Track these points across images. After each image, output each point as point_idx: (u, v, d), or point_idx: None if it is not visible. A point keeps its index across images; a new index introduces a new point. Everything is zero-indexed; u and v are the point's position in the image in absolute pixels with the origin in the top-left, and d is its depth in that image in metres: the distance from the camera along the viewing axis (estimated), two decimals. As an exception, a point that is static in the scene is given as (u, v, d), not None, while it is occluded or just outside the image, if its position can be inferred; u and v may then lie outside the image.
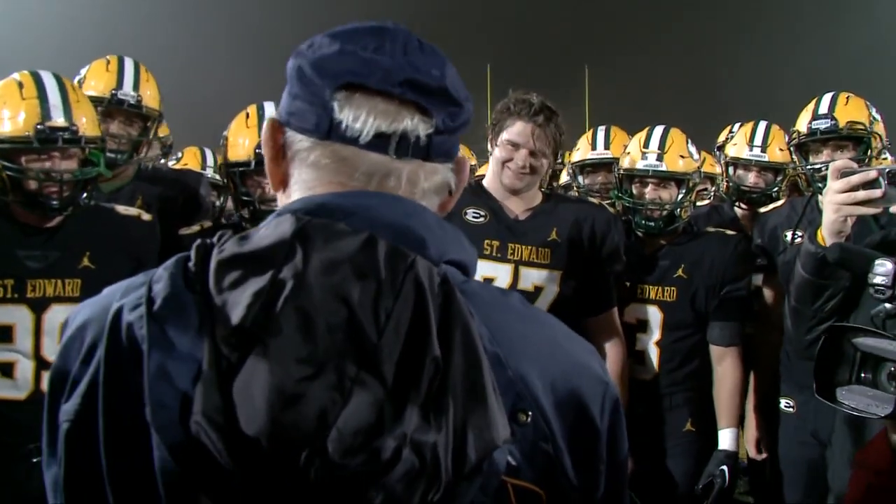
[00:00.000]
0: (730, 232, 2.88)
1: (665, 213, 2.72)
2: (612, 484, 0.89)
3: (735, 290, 2.73)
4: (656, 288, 2.77)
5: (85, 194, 2.20)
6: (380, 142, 0.83)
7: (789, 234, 2.82)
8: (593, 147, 3.63)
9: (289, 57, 0.89)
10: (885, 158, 2.91)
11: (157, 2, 9.08)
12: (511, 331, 0.83)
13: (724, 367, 2.75)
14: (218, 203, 3.55)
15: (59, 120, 2.13)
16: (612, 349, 2.57)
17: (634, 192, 2.77)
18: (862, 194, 1.80)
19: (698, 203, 3.16)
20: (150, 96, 2.90)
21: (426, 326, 0.72)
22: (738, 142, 3.47)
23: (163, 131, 4.08)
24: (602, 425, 0.86)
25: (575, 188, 3.61)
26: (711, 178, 3.86)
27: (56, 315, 2.19)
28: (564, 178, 4.09)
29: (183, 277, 0.76)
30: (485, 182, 2.57)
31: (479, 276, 0.91)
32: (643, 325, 2.78)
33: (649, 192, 2.74)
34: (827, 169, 2.70)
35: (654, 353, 2.77)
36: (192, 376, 0.71)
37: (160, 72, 3.03)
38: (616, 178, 2.90)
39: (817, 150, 2.83)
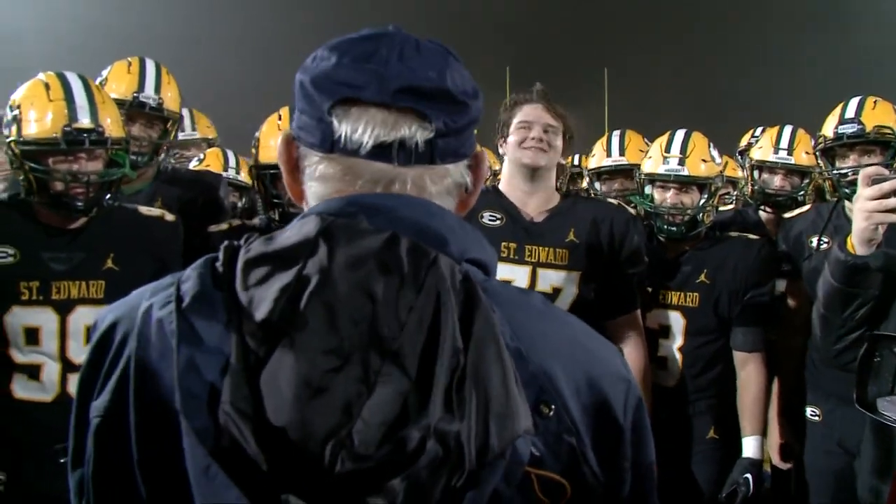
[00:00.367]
0: (753, 236, 2.85)
1: (687, 217, 2.69)
2: (639, 485, 0.88)
3: (759, 294, 2.70)
4: (679, 293, 2.74)
5: (109, 195, 2.20)
6: (381, 151, 0.84)
7: (814, 240, 2.78)
8: (608, 154, 3.61)
9: (302, 53, 0.90)
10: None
11: (171, 4, 9.13)
12: (532, 328, 0.83)
13: (748, 373, 2.73)
14: (240, 204, 3.56)
15: (85, 121, 2.14)
16: (633, 353, 2.54)
17: (656, 196, 2.75)
18: (894, 201, 1.77)
19: (720, 208, 3.13)
20: (171, 98, 2.90)
21: (448, 320, 0.73)
22: (764, 145, 3.43)
23: (211, 133, 4.11)
24: (625, 423, 0.86)
25: (592, 195, 3.59)
26: (733, 182, 3.84)
27: (81, 317, 2.20)
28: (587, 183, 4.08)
29: (211, 276, 0.79)
30: (500, 185, 2.56)
31: (496, 279, 0.91)
32: (665, 331, 2.75)
33: (671, 196, 2.72)
34: (853, 174, 2.70)
35: (676, 359, 2.74)
36: (219, 368, 0.73)
37: (177, 72, 3.03)
38: (637, 182, 2.88)
39: (844, 155, 2.80)
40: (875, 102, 2.80)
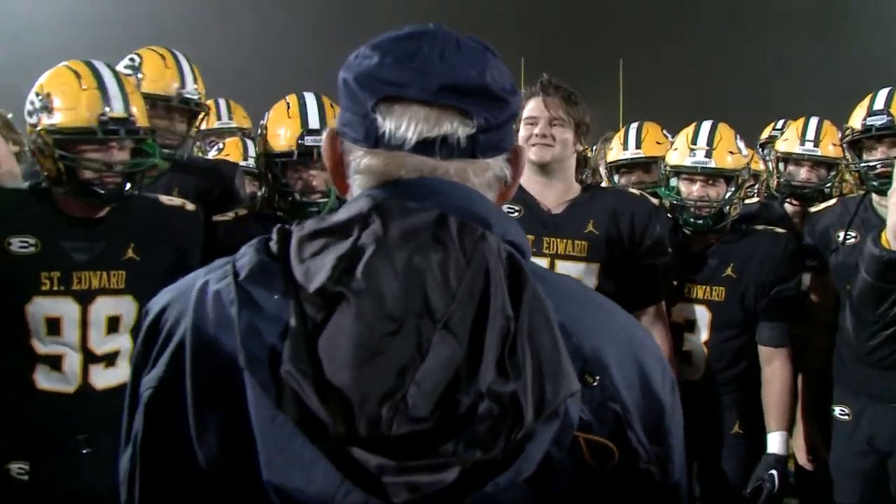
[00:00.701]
0: (780, 230, 2.81)
1: (714, 210, 2.65)
2: (680, 461, 0.91)
3: (785, 289, 2.66)
4: (704, 287, 2.70)
5: (130, 185, 2.18)
6: (424, 147, 0.86)
7: (841, 234, 2.74)
8: (625, 147, 3.57)
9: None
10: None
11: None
12: (573, 305, 0.87)
13: (773, 368, 2.69)
14: (259, 193, 3.54)
15: (119, 110, 2.12)
16: None
17: (682, 188, 2.71)
18: None
19: (746, 201, 3.08)
20: (202, 91, 2.92)
21: (498, 290, 0.77)
22: (790, 137, 3.39)
23: (246, 123, 4.11)
24: (666, 400, 0.90)
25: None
26: (755, 175, 3.79)
27: (102, 307, 2.18)
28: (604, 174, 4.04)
29: (265, 252, 0.83)
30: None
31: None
32: (691, 325, 2.72)
33: (697, 189, 2.68)
34: (882, 167, 2.65)
35: (702, 354, 2.71)
36: (278, 333, 0.76)
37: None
38: (662, 174, 2.84)
39: (871, 148, 2.74)
40: (905, 94, 2.75)
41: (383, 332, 0.73)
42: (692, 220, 2.67)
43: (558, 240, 2.44)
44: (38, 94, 2.13)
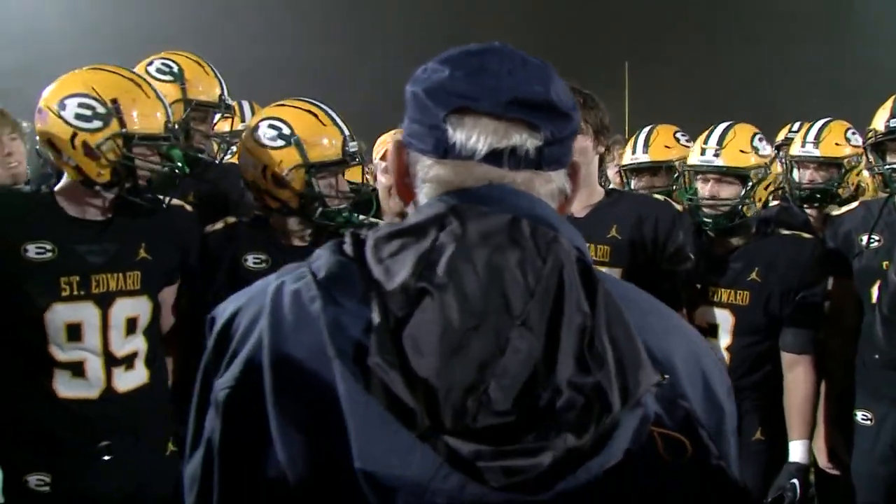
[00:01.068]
0: (806, 235, 2.78)
1: (726, 209, 2.63)
2: (735, 466, 0.94)
3: (811, 295, 2.63)
4: (728, 291, 2.67)
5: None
6: (493, 157, 0.89)
7: (864, 238, 2.70)
8: (633, 151, 3.55)
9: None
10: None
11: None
12: (638, 309, 0.89)
13: (796, 375, 2.66)
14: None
15: (171, 118, 2.24)
16: None
17: (699, 188, 2.70)
18: None
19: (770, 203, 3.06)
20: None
21: (573, 288, 0.80)
22: (797, 140, 3.38)
23: None
24: (725, 405, 0.93)
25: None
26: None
27: (121, 309, 2.17)
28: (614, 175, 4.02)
29: (340, 254, 0.86)
30: None
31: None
32: (714, 330, 2.68)
33: (709, 188, 2.68)
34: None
35: (724, 359, 2.67)
36: (362, 329, 0.79)
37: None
38: (684, 174, 2.83)
39: (895, 150, 2.72)
40: (929, 96, 2.72)
41: (465, 327, 0.76)
42: (705, 219, 2.66)
43: None
44: (98, 101, 2.10)
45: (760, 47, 10.15)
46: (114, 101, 2.10)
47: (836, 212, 2.94)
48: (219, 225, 2.44)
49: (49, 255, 2.08)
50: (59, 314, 2.08)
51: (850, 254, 2.73)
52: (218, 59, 3.04)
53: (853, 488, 2.70)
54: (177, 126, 2.23)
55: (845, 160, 3.31)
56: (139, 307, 2.22)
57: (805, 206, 3.37)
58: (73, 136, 2.07)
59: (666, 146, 3.49)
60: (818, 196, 3.31)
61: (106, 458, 2.14)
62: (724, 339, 2.68)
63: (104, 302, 2.15)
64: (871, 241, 2.66)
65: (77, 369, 2.12)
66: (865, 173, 3.45)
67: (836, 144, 3.26)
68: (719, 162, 2.66)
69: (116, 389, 2.17)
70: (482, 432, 0.74)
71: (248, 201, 3.07)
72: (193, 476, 0.89)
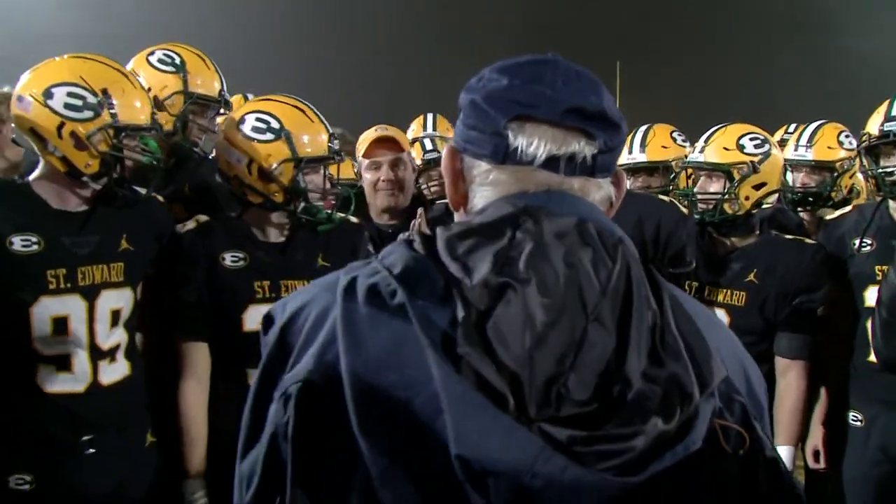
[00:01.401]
0: (809, 240, 2.77)
1: (712, 204, 2.66)
2: None
3: (808, 301, 2.61)
4: (725, 291, 2.67)
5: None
6: (551, 163, 0.93)
7: (857, 242, 2.69)
8: (630, 151, 3.54)
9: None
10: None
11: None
12: (689, 307, 0.93)
13: (788, 380, 2.64)
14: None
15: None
16: None
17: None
18: None
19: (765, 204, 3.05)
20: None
21: (641, 286, 0.84)
22: (790, 143, 3.38)
23: None
24: (764, 404, 0.98)
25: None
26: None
27: (106, 301, 2.14)
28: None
29: (412, 251, 0.88)
30: None
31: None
32: (709, 329, 2.67)
33: (700, 183, 2.73)
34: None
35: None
36: (448, 320, 0.81)
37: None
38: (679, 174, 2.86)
39: (889, 153, 2.71)
40: (923, 99, 2.71)
41: (546, 321, 0.79)
42: (696, 214, 2.69)
43: None
44: (88, 91, 2.07)
45: (753, 46, 10.18)
46: (104, 91, 2.08)
47: (830, 216, 2.94)
48: (190, 224, 2.39)
49: (35, 247, 2.03)
50: (47, 308, 2.04)
51: (844, 258, 2.73)
52: (210, 53, 3.01)
53: (843, 491, 2.70)
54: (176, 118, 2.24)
55: (838, 164, 3.31)
56: (123, 299, 2.19)
57: (798, 209, 3.37)
58: (61, 125, 2.03)
59: (663, 146, 3.48)
60: (811, 199, 3.31)
61: (89, 451, 2.11)
62: (718, 341, 2.65)
63: (90, 294, 2.11)
64: (864, 245, 2.66)
65: (64, 363, 2.08)
66: (860, 176, 3.45)
67: (829, 148, 3.26)
68: (702, 158, 2.72)
69: (101, 383, 2.14)
70: (566, 420, 0.77)
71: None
72: (252, 472, 0.89)
